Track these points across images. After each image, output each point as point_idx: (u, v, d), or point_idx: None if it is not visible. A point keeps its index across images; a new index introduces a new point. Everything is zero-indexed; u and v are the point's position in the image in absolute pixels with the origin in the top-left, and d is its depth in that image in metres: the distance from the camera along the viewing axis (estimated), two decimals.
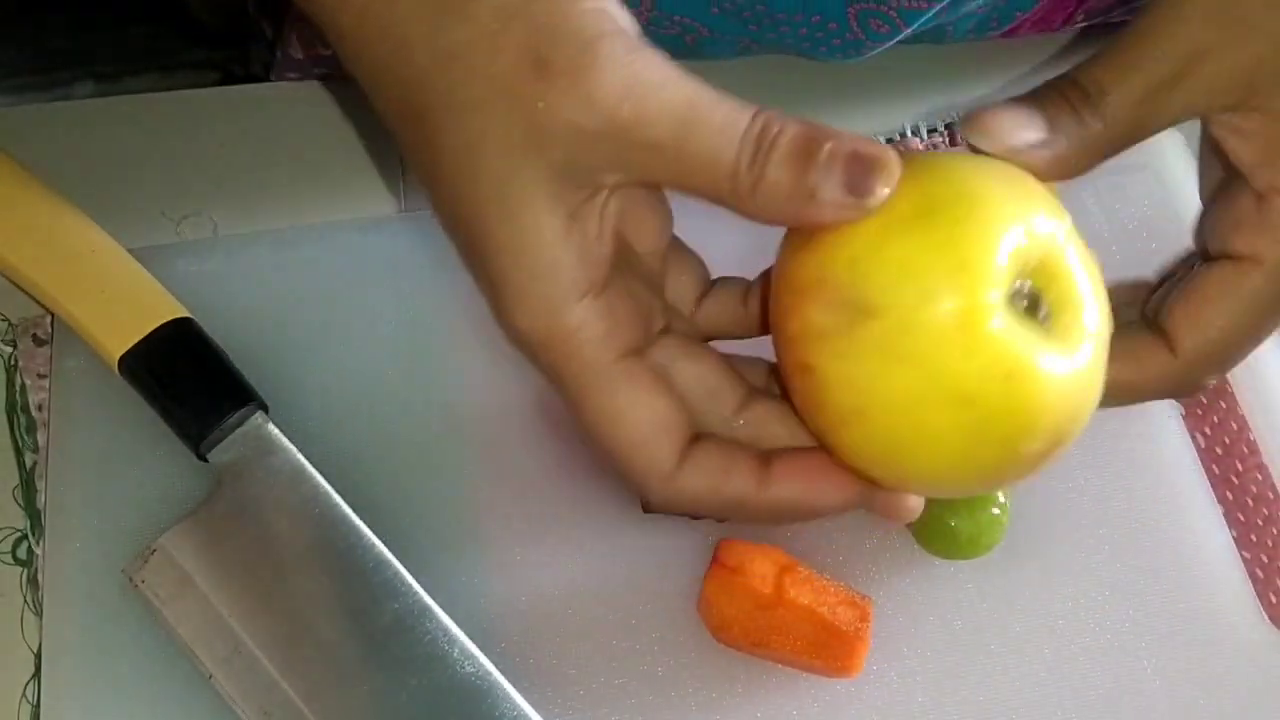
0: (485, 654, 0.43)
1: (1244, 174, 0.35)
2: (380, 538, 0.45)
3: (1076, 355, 0.31)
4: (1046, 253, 0.31)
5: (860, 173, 0.30)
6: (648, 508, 0.35)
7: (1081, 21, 0.61)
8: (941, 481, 0.34)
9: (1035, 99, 0.34)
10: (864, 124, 0.59)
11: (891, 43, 0.54)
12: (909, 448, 0.32)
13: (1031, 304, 0.32)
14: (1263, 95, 0.34)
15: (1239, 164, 0.35)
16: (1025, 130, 0.33)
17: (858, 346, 0.31)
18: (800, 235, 0.33)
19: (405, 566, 0.45)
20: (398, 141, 0.34)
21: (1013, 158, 0.33)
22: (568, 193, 0.31)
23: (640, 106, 0.30)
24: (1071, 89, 0.34)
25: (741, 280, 0.38)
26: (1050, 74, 0.35)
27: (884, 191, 0.30)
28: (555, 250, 0.31)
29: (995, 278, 0.30)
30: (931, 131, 0.60)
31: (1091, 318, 0.32)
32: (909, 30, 0.53)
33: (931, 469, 0.33)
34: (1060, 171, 0.34)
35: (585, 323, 0.32)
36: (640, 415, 0.33)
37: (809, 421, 0.34)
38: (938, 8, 0.51)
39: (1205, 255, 0.36)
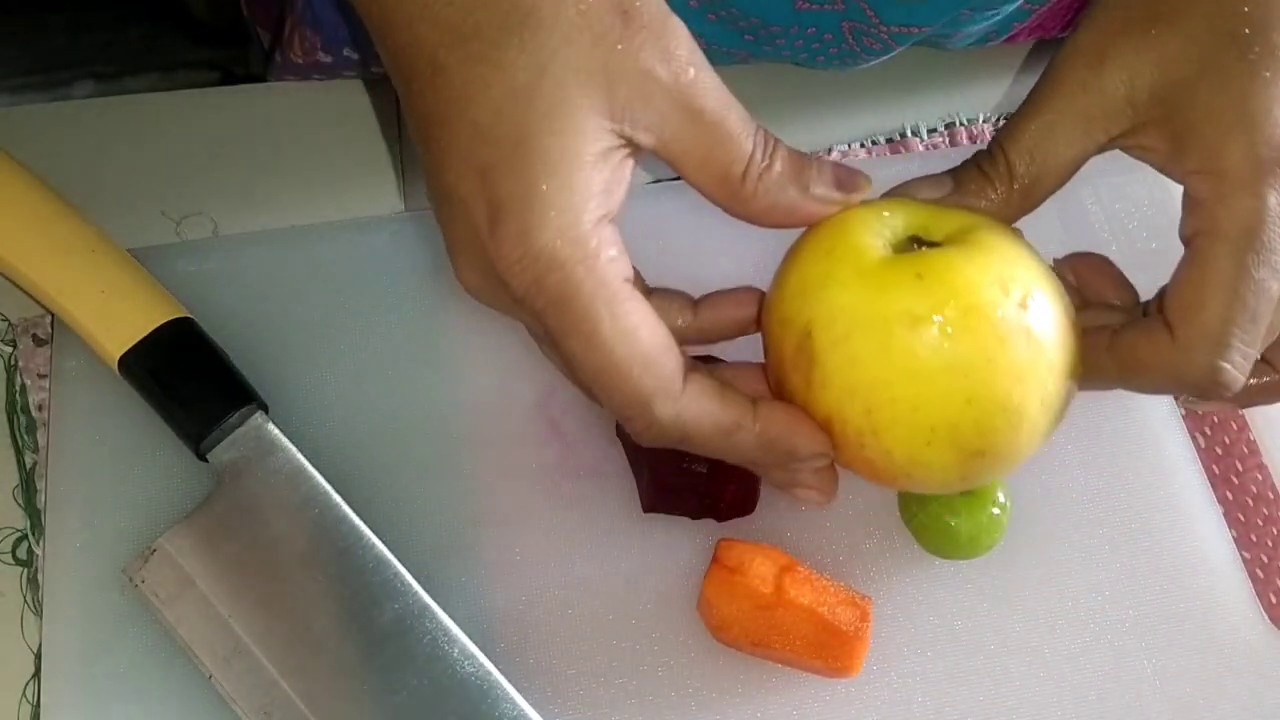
0: (485, 654, 0.43)
1: (1168, 174, 0.37)
2: (380, 538, 0.45)
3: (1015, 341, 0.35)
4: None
5: (846, 174, 0.37)
6: (647, 434, 0.36)
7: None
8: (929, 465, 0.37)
9: (952, 170, 0.39)
10: (867, 123, 0.59)
11: (886, 58, 0.55)
12: (886, 429, 0.36)
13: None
14: (1144, 112, 0.36)
15: (1160, 170, 0.37)
16: (933, 188, 0.38)
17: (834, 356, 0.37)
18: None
19: (405, 567, 0.45)
20: (412, 72, 0.35)
21: None
22: (611, 134, 0.34)
23: (701, 76, 0.34)
24: (981, 154, 0.38)
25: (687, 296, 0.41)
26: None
27: (866, 189, 0.37)
28: (590, 171, 0.34)
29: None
30: (931, 132, 0.60)
31: (1040, 303, 0.36)
32: (900, 49, 0.54)
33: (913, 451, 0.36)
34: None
35: (604, 243, 0.34)
36: (652, 333, 0.35)
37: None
38: (927, 33, 0.52)
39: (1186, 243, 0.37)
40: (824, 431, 0.37)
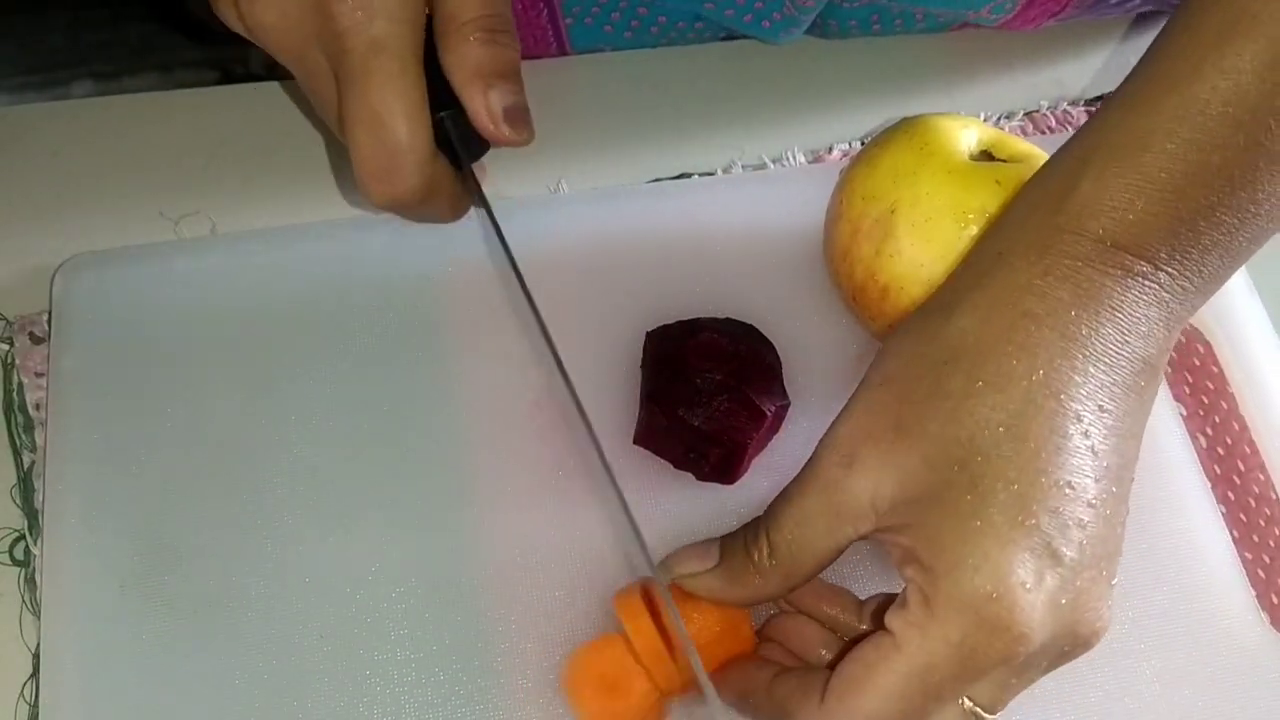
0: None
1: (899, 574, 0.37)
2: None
3: None
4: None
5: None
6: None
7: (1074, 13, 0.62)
8: None
9: (722, 538, 0.40)
10: (881, 112, 0.59)
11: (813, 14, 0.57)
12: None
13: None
14: (885, 519, 0.36)
15: (895, 567, 0.37)
16: (700, 561, 0.40)
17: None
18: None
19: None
20: None
21: (686, 584, 0.40)
22: None
23: None
24: (749, 533, 0.39)
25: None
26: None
27: None
28: None
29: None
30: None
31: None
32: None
33: None
34: (733, 596, 0.40)
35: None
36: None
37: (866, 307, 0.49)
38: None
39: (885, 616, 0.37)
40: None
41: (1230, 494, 0.51)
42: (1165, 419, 0.52)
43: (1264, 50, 0.36)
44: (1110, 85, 0.53)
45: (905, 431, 0.36)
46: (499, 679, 0.44)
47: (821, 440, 0.38)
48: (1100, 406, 0.36)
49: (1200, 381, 0.53)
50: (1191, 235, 0.36)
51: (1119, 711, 0.46)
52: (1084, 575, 0.35)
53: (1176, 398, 0.53)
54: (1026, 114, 0.60)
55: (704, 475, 0.48)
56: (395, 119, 0.40)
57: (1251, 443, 0.51)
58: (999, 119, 0.60)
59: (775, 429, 0.49)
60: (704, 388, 0.47)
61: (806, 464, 0.38)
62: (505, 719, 0.44)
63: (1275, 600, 0.48)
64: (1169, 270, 0.36)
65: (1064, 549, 0.35)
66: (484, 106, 0.42)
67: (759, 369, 0.48)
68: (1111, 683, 0.46)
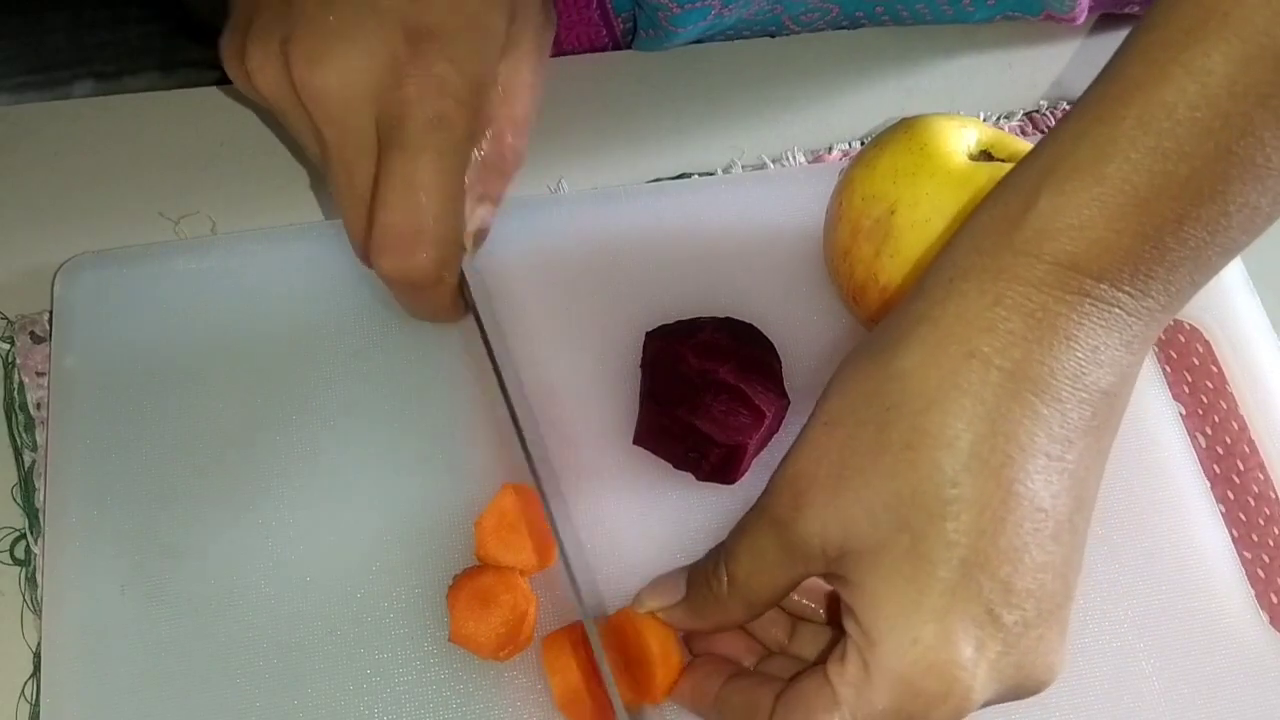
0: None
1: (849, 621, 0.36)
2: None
3: None
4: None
5: None
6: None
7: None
8: None
9: (689, 568, 0.41)
10: (881, 112, 0.59)
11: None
12: None
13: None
14: (833, 565, 0.36)
15: (845, 613, 0.36)
16: (668, 595, 0.41)
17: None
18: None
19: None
20: None
21: (660, 616, 0.41)
22: None
23: None
24: (710, 567, 0.40)
25: None
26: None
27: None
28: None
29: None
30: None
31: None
32: None
33: None
34: (700, 626, 0.41)
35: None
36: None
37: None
38: None
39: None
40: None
41: (1229, 493, 0.51)
42: (1164, 418, 0.52)
43: (1235, 50, 0.33)
44: None
45: (848, 482, 0.35)
46: (499, 679, 0.44)
47: (774, 474, 0.37)
48: (1050, 455, 0.34)
49: (1200, 381, 0.53)
50: (1157, 252, 0.34)
51: (1119, 711, 0.46)
52: (1030, 635, 0.34)
53: (1176, 397, 0.53)
54: (1026, 114, 0.60)
55: (704, 475, 0.48)
56: (438, 193, 0.40)
57: (1251, 442, 0.51)
58: (999, 119, 0.60)
59: (775, 429, 0.49)
60: (704, 388, 0.47)
61: (760, 497, 0.38)
62: (505, 719, 0.44)
63: (1275, 599, 0.48)
64: (1131, 290, 0.34)
65: (1006, 615, 0.34)
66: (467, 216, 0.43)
67: (759, 369, 0.48)
68: (1111, 683, 0.46)
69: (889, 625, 0.34)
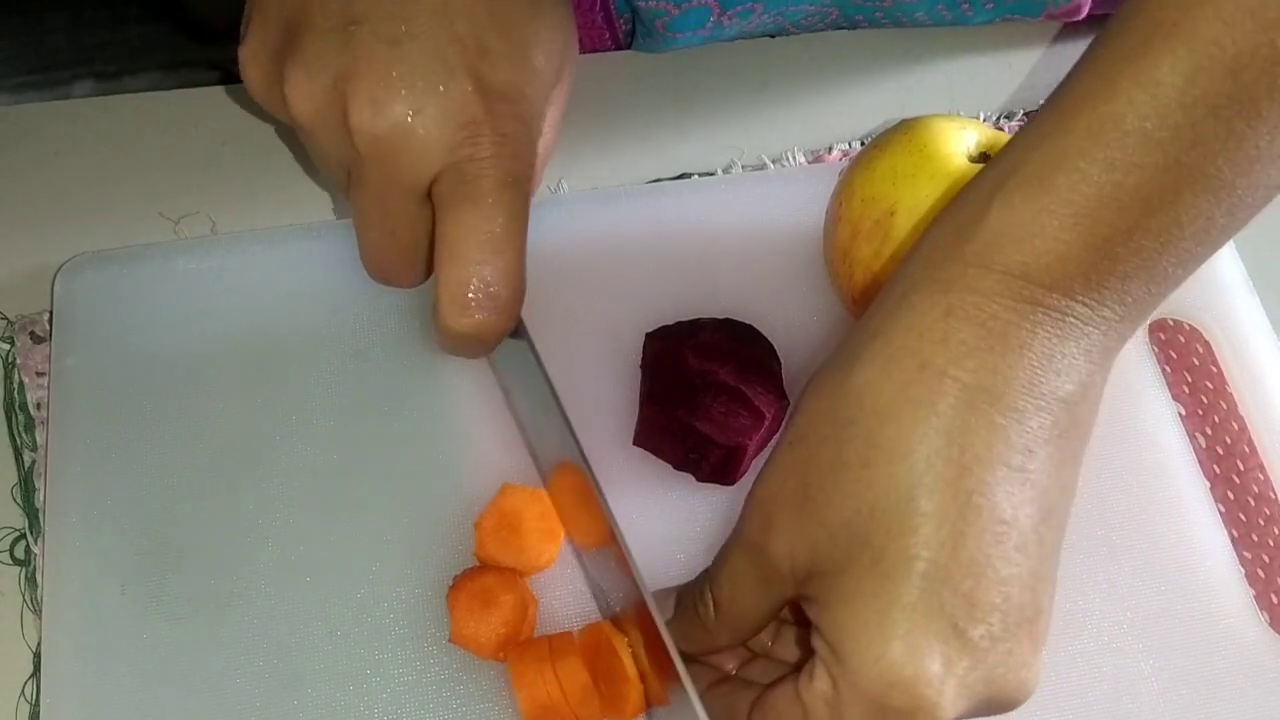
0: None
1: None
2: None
3: None
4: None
5: None
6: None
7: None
8: None
9: (679, 588, 0.41)
10: (881, 112, 0.59)
11: None
12: None
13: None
14: (803, 587, 0.36)
15: (814, 631, 0.36)
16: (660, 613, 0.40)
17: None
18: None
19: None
20: None
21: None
22: None
23: None
24: (698, 590, 0.40)
25: None
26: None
27: None
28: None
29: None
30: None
31: None
32: None
33: None
34: (690, 647, 0.40)
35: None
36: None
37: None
38: None
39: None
40: None
41: (1229, 494, 0.51)
42: (1163, 418, 0.52)
43: (1184, 61, 0.33)
44: None
45: (810, 501, 0.35)
46: (499, 679, 0.44)
47: (747, 496, 0.38)
48: (1010, 465, 0.34)
49: (1199, 381, 0.53)
50: (1108, 263, 0.34)
51: (1118, 712, 0.46)
52: (999, 649, 0.34)
53: (1175, 397, 0.53)
54: (1026, 114, 0.60)
55: (704, 476, 0.48)
56: (513, 253, 0.40)
57: (1250, 442, 0.51)
58: (999, 119, 0.60)
59: (775, 429, 0.49)
60: (704, 388, 0.47)
61: (738, 520, 0.38)
62: (505, 719, 0.44)
63: (1274, 600, 0.48)
64: (1085, 300, 0.34)
65: (972, 629, 0.33)
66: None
67: (759, 369, 0.48)
68: (1110, 682, 0.46)
69: (854, 643, 0.34)
